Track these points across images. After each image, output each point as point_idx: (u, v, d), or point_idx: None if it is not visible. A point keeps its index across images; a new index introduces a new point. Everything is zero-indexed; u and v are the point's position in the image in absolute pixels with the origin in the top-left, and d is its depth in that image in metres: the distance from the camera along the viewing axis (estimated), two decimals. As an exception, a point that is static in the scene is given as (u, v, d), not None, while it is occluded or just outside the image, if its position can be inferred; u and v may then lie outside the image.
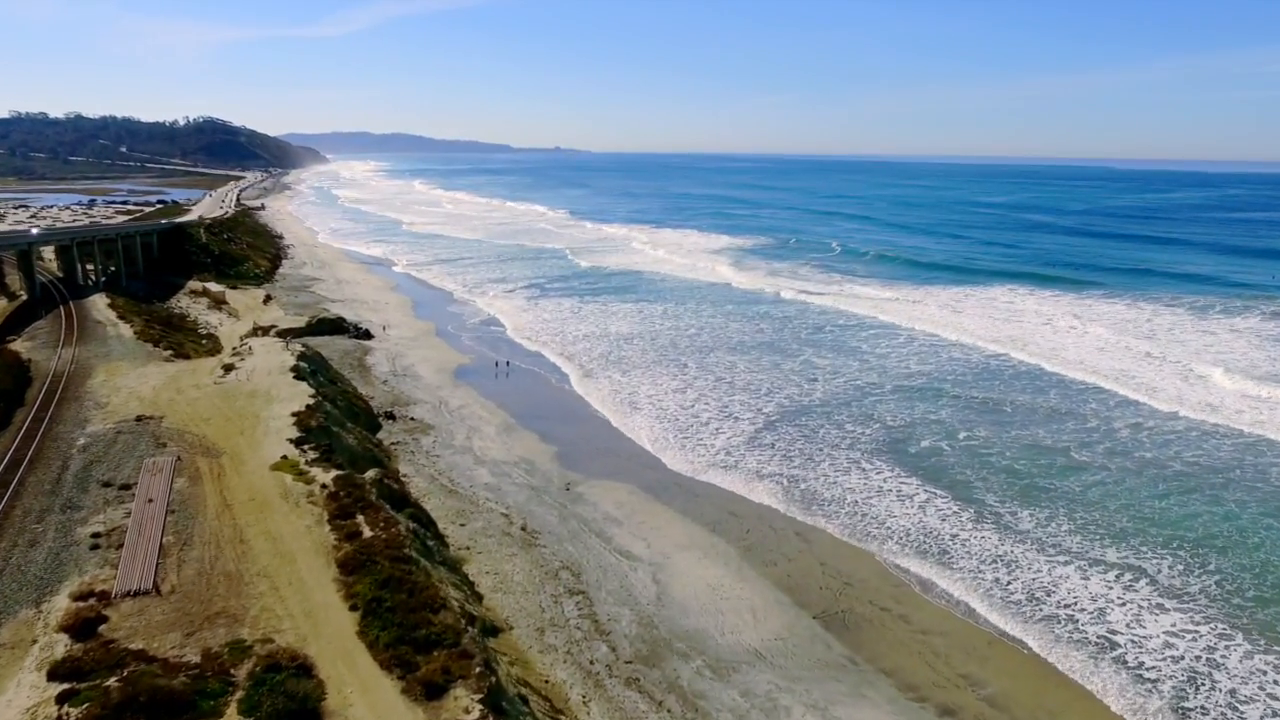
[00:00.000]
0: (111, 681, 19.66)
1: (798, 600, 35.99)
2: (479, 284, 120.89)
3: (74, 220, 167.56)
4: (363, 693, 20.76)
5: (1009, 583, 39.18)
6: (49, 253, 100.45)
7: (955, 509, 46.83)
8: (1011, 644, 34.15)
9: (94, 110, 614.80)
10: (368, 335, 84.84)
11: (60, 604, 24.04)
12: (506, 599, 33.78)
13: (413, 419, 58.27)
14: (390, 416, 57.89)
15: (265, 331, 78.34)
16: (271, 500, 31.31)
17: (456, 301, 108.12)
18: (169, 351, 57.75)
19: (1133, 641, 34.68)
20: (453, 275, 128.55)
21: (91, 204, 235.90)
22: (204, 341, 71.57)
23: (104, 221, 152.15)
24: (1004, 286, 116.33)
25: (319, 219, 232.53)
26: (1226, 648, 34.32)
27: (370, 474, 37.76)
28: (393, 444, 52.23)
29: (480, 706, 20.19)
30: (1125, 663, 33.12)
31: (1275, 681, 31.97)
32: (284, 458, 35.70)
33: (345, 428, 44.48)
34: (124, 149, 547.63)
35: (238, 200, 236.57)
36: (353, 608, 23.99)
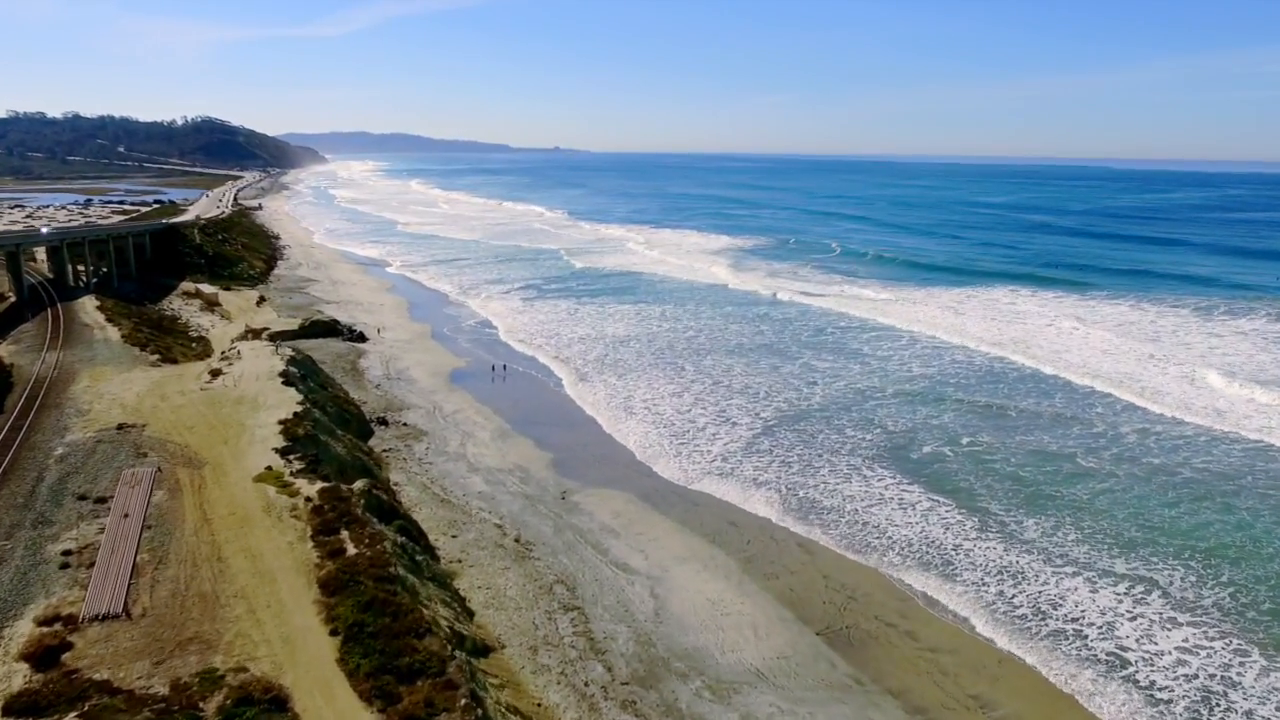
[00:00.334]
0: (70, 718, 18.46)
1: (800, 616, 34.82)
2: (475, 285, 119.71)
3: (70, 220, 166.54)
4: (340, 727, 19.63)
5: (1013, 596, 38.00)
6: (43, 254, 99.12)
7: (959, 517, 45.70)
8: (1023, 663, 32.99)
9: (92, 110, 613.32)
10: (362, 338, 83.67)
11: (23, 629, 22.85)
12: (499, 616, 32.60)
13: (406, 425, 57.08)
14: (383, 422, 56.69)
15: (257, 334, 77.20)
16: (253, 515, 30.12)
17: (453, 303, 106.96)
18: (156, 356, 56.55)
19: (1144, 659, 33.51)
20: (449, 276, 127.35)
21: (88, 204, 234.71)
22: (194, 345, 70.38)
23: (99, 222, 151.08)
24: (1006, 288, 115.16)
25: (316, 219, 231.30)
26: (1242, 664, 33.16)
27: (358, 485, 36.59)
28: (384, 451, 51.02)
29: (465, 740, 19.08)
30: (1136, 682, 31.97)
31: (1294, 701, 30.85)
32: (268, 469, 34.51)
33: (334, 435, 43.28)
34: (122, 149, 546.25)
35: (235, 200, 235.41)
36: (333, 632, 22.82)
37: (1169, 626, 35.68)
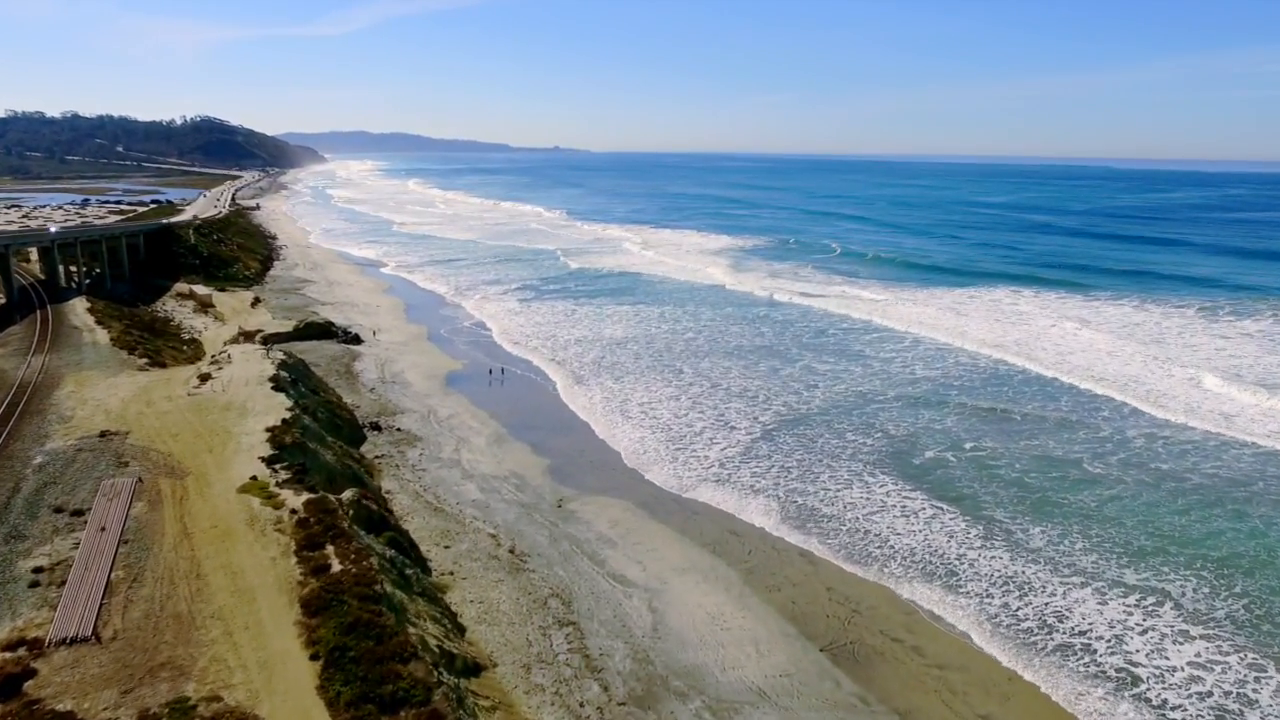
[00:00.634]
0: (30, 753, 17.43)
1: (804, 630, 33.72)
2: (472, 286, 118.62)
3: (66, 220, 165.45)
4: (318, 761, 18.53)
5: (1019, 608, 36.90)
6: (39, 255, 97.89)
7: (963, 525, 44.66)
8: (1032, 679, 31.93)
9: (91, 109, 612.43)
10: (357, 340, 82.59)
11: (-15, 655, 21.76)
12: (491, 631, 31.50)
13: (399, 430, 55.99)
14: (376, 427, 55.61)
15: (250, 336, 76.08)
16: (235, 528, 29.01)
17: (449, 304, 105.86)
18: (145, 360, 55.40)
19: (1155, 675, 32.43)
20: (446, 277, 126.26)
21: (85, 204, 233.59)
22: (185, 347, 69.29)
23: (95, 221, 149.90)
24: (1008, 289, 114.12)
25: (313, 219, 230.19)
26: (1258, 680, 32.12)
27: (347, 494, 35.50)
28: (377, 457, 49.94)
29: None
30: (1149, 700, 30.91)
31: (1315, 721, 29.79)
32: (253, 479, 33.41)
33: (324, 442, 42.19)
34: (121, 148, 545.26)
35: (232, 200, 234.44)
36: (314, 657, 21.73)
37: (1181, 640, 34.63)
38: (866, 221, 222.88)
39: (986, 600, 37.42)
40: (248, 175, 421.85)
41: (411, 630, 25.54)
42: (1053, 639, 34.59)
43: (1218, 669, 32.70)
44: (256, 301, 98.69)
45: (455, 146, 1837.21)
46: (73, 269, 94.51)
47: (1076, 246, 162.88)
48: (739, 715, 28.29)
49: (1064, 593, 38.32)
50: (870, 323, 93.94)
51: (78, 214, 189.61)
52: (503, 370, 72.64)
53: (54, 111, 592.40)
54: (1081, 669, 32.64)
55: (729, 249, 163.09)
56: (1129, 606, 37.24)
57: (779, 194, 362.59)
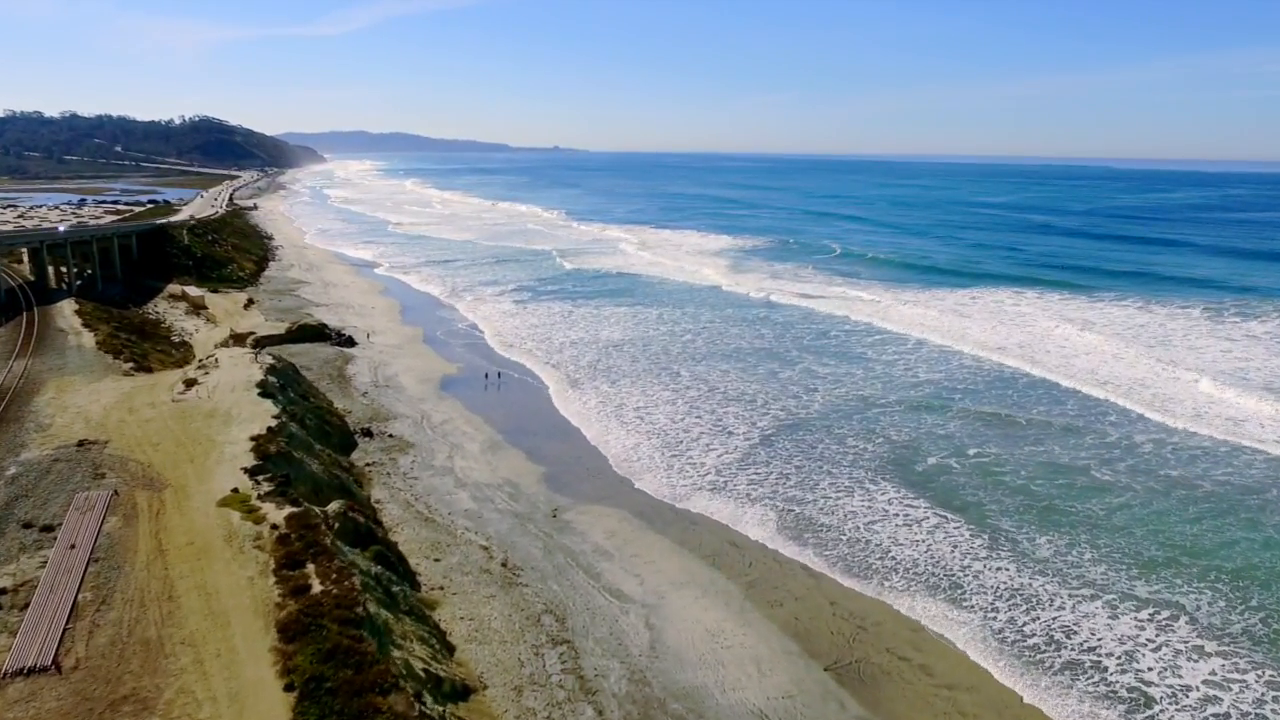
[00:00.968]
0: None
1: (807, 648, 32.46)
2: (469, 287, 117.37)
3: (62, 220, 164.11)
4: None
5: (1025, 623, 35.65)
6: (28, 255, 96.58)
7: (967, 535, 43.47)
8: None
9: (90, 109, 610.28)
10: (351, 342, 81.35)
11: (-64, 688, 20.48)
12: (482, 651, 30.25)
13: (391, 436, 54.72)
14: (367, 434, 54.35)
15: (242, 339, 74.84)
16: (212, 545, 27.75)
17: (446, 306, 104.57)
18: (130, 364, 54.08)
19: (1169, 695, 31.23)
20: (443, 278, 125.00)
21: (82, 204, 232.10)
22: (175, 351, 68.00)
23: (91, 222, 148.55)
24: (1011, 290, 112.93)
25: (310, 219, 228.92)
26: (1278, 700, 30.90)
27: (333, 506, 34.29)
28: (368, 465, 48.69)
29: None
30: (1164, 724, 29.71)
31: (1339, 745, 28.57)
32: (234, 491, 32.16)
33: (312, 451, 40.94)
34: (119, 148, 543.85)
35: (230, 200, 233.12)
36: (288, 687, 20.50)
37: (1195, 657, 33.44)
38: (866, 222, 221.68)
39: (991, 614, 36.19)
40: (246, 175, 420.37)
41: (396, 653, 24.33)
42: (1060, 656, 33.39)
43: (1235, 688, 31.51)
44: (250, 303, 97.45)
45: (455, 146, 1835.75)
46: (63, 270, 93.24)
47: (1078, 247, 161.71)
48: (739, 740, 27.09)
49: (1073, 606, 37.13)
50: (871, 325, 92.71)
51: (74, 214, 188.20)
52: (499, 374, 71.33)
53: (52, 111, 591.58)
54: (1091, 689, 31.45)
55: (728, 249, 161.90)
56: (1140, 621, 36.05)
57: (778, 194, 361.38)
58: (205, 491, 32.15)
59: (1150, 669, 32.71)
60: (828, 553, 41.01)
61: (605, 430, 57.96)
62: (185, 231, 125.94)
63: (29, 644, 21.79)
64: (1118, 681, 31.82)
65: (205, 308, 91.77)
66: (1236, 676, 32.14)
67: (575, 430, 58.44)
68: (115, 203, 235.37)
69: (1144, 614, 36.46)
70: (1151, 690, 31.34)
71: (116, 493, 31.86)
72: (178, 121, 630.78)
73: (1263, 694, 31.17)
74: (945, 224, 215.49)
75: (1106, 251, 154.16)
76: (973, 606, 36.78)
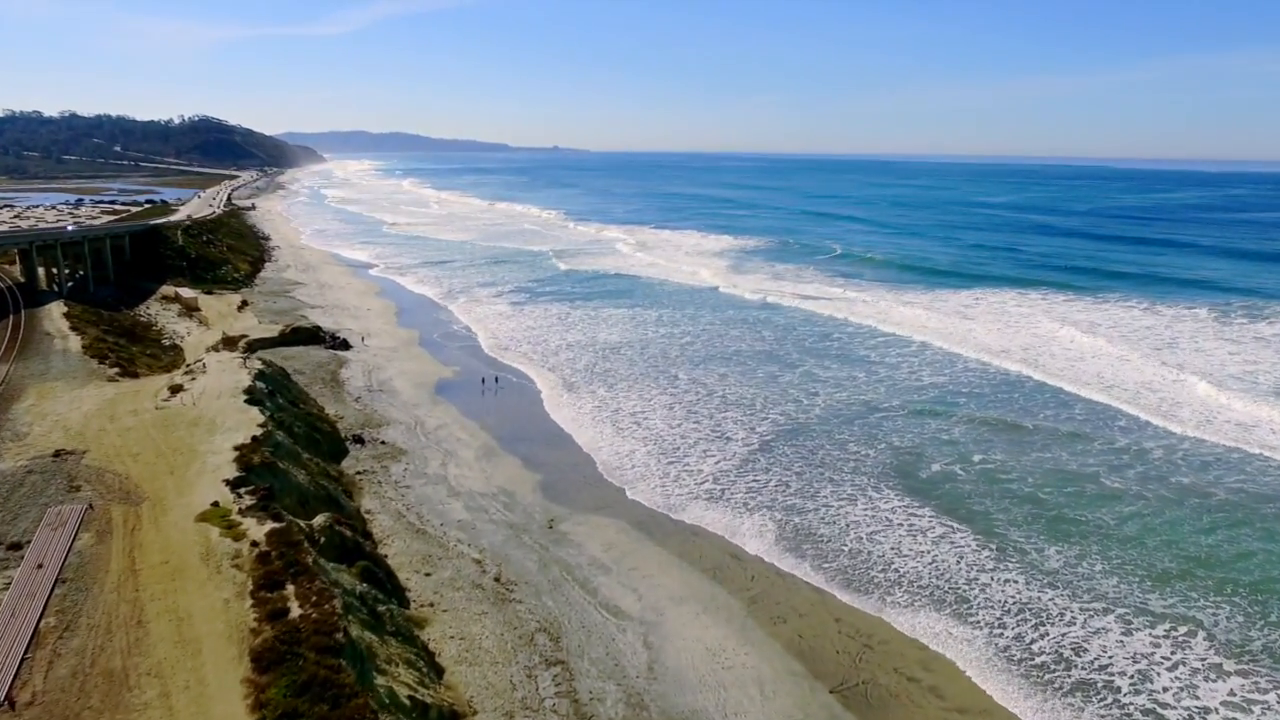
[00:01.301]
0: None
1: (811, 669, 31.13)
2: (466, 288, 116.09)
3: (58, 220, 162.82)
4: None
5: (1034, 640, 34.33)
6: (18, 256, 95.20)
7: (974, 545, 42.20)
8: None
9: (89, 109, 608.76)
10: (345, 345, 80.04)
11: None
12: (472, 672, 28.95)
13: (384, 443, 53.42)
14: (359, 440, 53.05)
15: (234, 342, 73.45)
16: (188, 564, 26.45)
17: (442, 308, 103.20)
18: (116, 369, 52.74)
19: (1186, 718, 29.91)
20: (439, 279, 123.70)
21: (79, 204, 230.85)
22: (165, 354, 66.66)
23: (87, 221, 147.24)
24: (1014, 291, 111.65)
25: (308, 219, 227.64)
26: (1301, 723, 29.63)
27: (319, 520, 33.01)
28: (358, 474, 47.38)
29: None
30: (1183, 750, 28.42)
31: (1369, 772, 27.27)
32: (215, 505, 30.86)
33: (299, 460, 39.64)
34: (118, 148, 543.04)
35: (228, 200, 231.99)
36: (259, 723, 19.25)
37: (1214, 676, 32.18)
38: (866, 222, 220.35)
39: (998, 630, 34.87)
40: (245, 175, 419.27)
41: (380, 680, 23.05)
42: (1071, 675, 32.11)
43: (1257, 709, 30.28)
44: (244, 305, 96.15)
45: (454, 146, 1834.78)
46: (54, 271, 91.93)
47: (1081, 248, 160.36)
48: (740, 770, 25.80)
49: (1084, 621, 35.85)
50: (873, 327, 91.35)
51: (70, 214, 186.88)
52: (496, 379, 69.89)
53: (51, 111, 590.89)
54: (1103, 712, 30.13)
55: (729, 250, 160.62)
56: (1155, 638, 34.77)
57: (777, 194, 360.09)
58: (184, 505, 30.85)
59: (1166, 689, 31.45)
60: (828, 565, 39.69)
61: (603, 436, 56.64)
62: (179, 232, 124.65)
63: (-17, 677, 20.54)
64: (1131, 704, 30.54)
65: (198, 309, 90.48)
66: (1258, 697, 30.91)
67: (572, 436, 57.13)
68: (113, 203, 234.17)
69: (1159, 630, 35.19)
70: (1168, 713, 30.10)
71: (91, 507, 30.55)
72: (177, 121, 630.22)
73: (1286, 717, 29.89)
74: (946, 224, 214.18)
75: (1109, 252, 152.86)
76: (979, 622, 35.49)
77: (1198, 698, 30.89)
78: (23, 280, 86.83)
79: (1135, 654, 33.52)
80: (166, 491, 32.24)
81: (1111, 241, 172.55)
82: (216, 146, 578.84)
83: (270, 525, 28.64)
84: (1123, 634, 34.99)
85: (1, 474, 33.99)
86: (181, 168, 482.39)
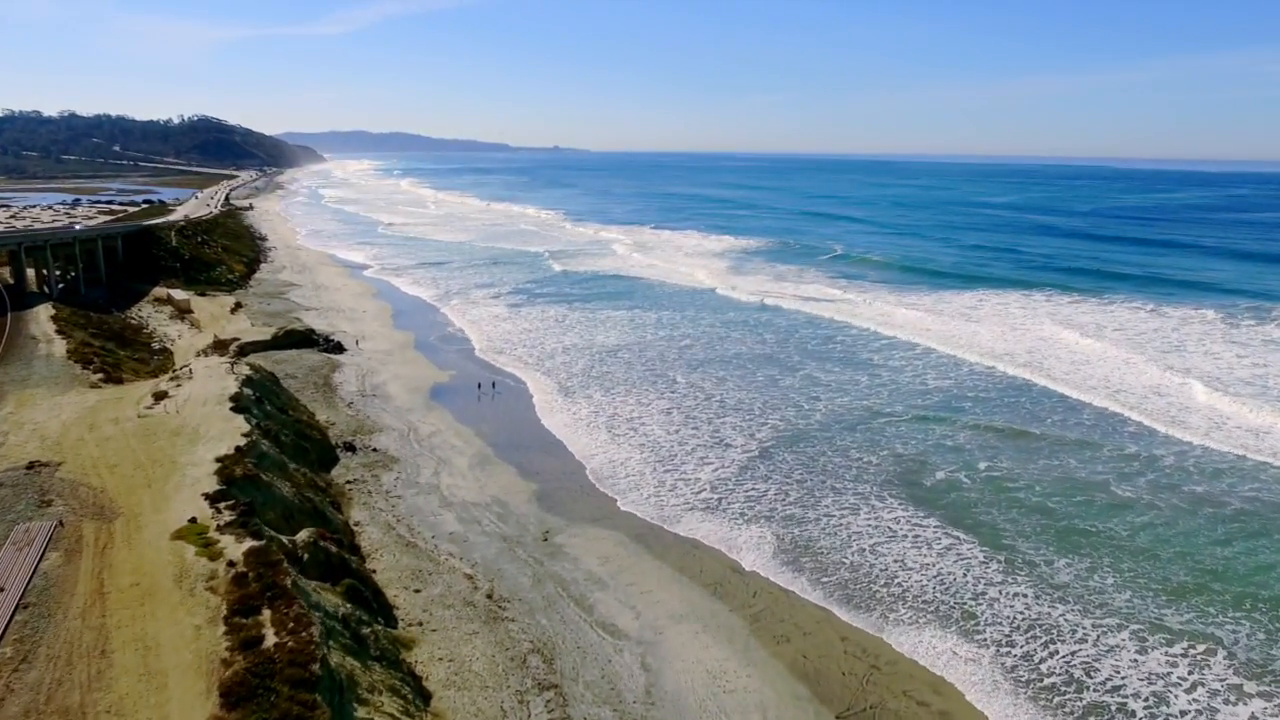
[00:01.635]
0: None
1: (817, 692, 29.76)
2: (464, 290, 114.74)
3: (54, 220, 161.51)
4: None
5: (1043, 659, 32.98)
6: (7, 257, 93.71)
7: (980, 557, 40.90)
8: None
9: (88, 109, 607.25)
10: (339, 348, 78.68)
11: None
12: (460, 698, 27.61)
13: (376, 450, 52.06)
14: (350, 448, 51.69)
15: (226, 345, 72.25)
16: (160, 586, 25.09)
17: (439, 310, 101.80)
18: (100, 375, 51.38)
19: (1208, 747, 28.59)
20: (437, 281, 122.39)
21: (76, 204, 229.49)
22: (154, 358, 65.31)
23: (85, 222, 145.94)
24: (1018, 292, 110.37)
25: (306, 219, 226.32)
26: (1329, 750, 28.31)
27: (302, 535, 31.67)
28: (348, 483, 46.04)
29: None
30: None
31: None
32: (192, 521, 29.51)
33: (285, 471, 38.30)
34: (117, 148, 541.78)
35: (226, 200, 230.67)
36: (225, 767, 17.93)
37: (1234, 699, 30.86)
38: (867, 223, 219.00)
39: (1005, 649, 33.53)
40: (244, 175, 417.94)
41: (360, 712, 21.71)
42: (1083, 698, 30.76)
43: (1283, 736, 28.92)
44: (237, 307, 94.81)
45: (454, 146, 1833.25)
46: (44, 272, 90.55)
47: (1084, 249, 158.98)
48: (742, 804, 24.46)
49: (1096, 638, 34.51)
50: (876, 331, 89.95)
51: (67, 214, 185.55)
52: (493, 384, 68.40)
53: (51, 111, 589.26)
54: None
55: (729, 251, 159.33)
56: (1171, 656, 33.41)
57: (777, 194, 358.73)
58: (160, 522, 29.48)
59: (1184, 713, 30.15)
60: (828, 579, 38.31)
61: (600, 444, 55.29)
62: (173, 233, 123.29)
63: (-70, 715, 19.22)
64: (1148, 729, 29.23)
65: (190, 312, 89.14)
66: (1283, 722, 29.57)
67: (574, 444, 55.74)
68: (110, 203, 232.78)
69: (1175, 649, 33.85)
70: (1187, 740, 28.78)
71: (61, 523, 29.19)
72: (176, 121, 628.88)
73: (1312, 742, 28.58)
74: (947, 225, 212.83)
75: (1113, 253, 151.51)
76: (985, 640, 34.14)
77: (1220, 724, 29.60)
78: (11, 282, 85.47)
79: (1150, 674, 32.23)
80: (142, 506, 30.88)
81: (1114, 242, 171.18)
82: (216, 146, 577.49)
83: (249, 543, 27.29)
84: (1137, 652, 33.68)
85: (-30, 488, 32.62)
86: (181, 168, 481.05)
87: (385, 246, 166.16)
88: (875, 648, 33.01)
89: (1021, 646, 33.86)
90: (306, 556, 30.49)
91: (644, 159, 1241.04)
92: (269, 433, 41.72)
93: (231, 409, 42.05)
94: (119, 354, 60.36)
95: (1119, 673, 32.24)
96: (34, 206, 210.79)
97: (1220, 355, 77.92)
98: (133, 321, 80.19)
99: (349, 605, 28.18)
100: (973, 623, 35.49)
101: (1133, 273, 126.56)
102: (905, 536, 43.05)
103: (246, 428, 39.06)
